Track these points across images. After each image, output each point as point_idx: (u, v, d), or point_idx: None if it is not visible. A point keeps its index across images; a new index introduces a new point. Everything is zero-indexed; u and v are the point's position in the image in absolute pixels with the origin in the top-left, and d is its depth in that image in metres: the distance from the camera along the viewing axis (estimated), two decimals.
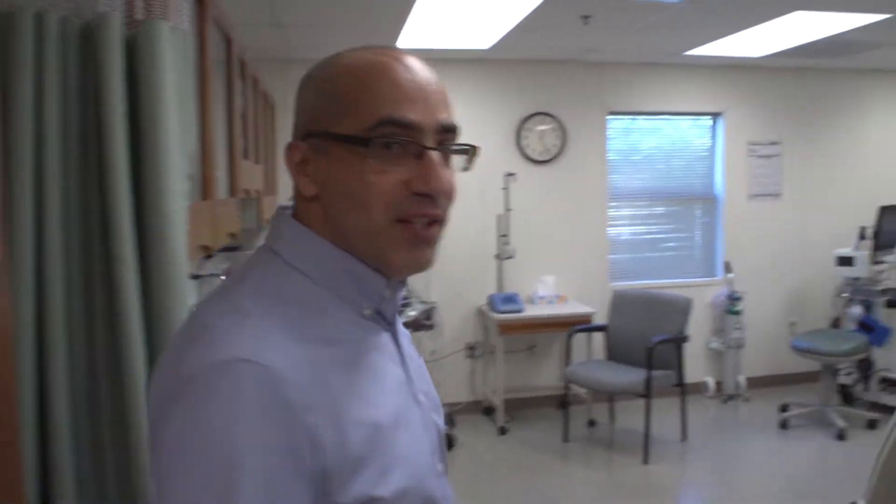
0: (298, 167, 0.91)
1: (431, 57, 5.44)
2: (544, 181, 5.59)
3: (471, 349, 5.58)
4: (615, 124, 5.77)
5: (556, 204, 5.62)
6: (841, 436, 4.92)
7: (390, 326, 0.98)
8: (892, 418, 1.74)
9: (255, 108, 3.82)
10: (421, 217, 0.90)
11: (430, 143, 0.89)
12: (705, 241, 6.06)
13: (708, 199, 6.01)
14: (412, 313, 4.75)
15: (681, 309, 4.84)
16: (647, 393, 4.55)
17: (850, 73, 6.08)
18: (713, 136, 5.98)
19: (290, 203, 0.96)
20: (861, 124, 6.22)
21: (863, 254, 5.17)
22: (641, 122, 5.87)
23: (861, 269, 5.17)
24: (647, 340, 4.73)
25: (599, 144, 5.69)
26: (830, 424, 5.09)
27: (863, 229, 5.33)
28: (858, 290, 5.38)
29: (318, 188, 0.90)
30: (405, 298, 4.84)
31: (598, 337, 5.34)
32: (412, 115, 0.87)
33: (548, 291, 5.54)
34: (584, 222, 5.69)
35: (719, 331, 5.87)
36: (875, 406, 5.36)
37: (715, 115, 5.95)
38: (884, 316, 5.38)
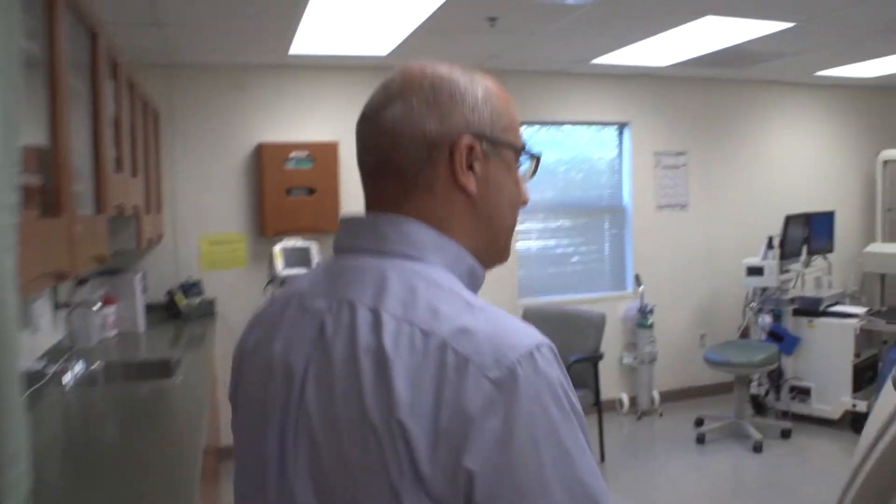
0: (467, 162, 0.95)
1: (325, 64, 5.13)
2: None
3: None
4: (524, 133, 5.65)
5: None
6: (757, 448, 4.93)
7: None
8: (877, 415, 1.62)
9: (132, 114, 3.45)
10: None
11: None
12: (614, 253, 6.03)
13: (616, 211, 5.98)
14: None
15: (595, 325, 4.73)
16: None
17: (752, 84, 6.21)
18: (620, 146, 5.97)
19: (369, 214, 1.00)
20: (764, 135, 6.36)
21: (772, 263, 5.23)
22: (548, 132, 5.79)
23: (770, 279, 5.23)
24: (562, 359, 4.60)
25: None
26: (746, 436, 5.11)
27: (770, 239, 5.41)
28: (768, 300, 5.44)
29: (477, 187, 0.96)
30: None
31: None
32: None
33: None
34: None
35: (631, 345, 5.83)
36: (786, 415, 5.43)
37: (621, 125, 5.93)
38: (792, 325, 5.47)
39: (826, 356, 5.33)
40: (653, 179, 5.96)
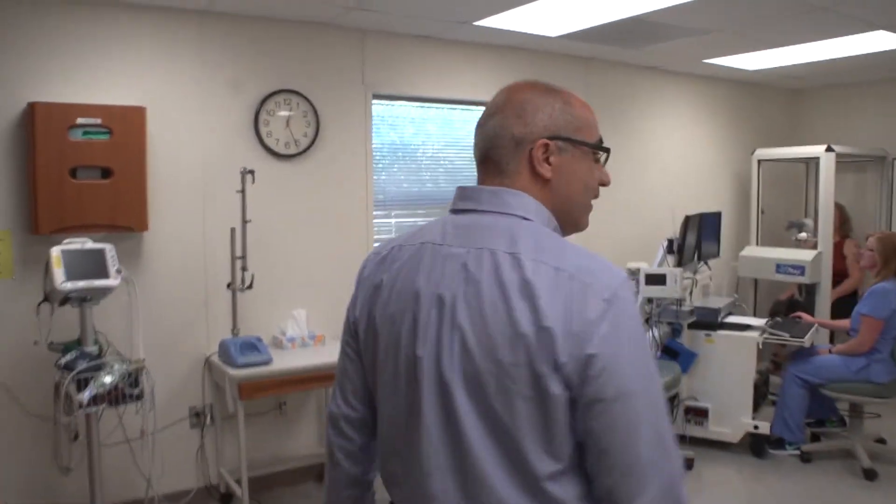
0: (544, 156, 1.34)
1: (130, 3, 3.45)
2: (291, 182, 4.31)
3: (197, 416, 4.10)
4: (381, 111, 4.68)
5: (307, 213, 4.36)
6: None
7: None
8: None
9: None
10: (597, 198, 1.44)
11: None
12: None
13: None
14: (107, 379, 3.21)
15: None
16: None
17: (632, 69, 5.67)
18: None
19: (487, 186, 1.37)
20: (641, 125, 5.83)
21: (675, 271, 4.62)
22: (413, 109, 4.84)
23: (674, 289, 4.61)
24: None
25: (362, 136, 4.54)
26: None
27: (670, 242, 4.81)
28: (666, 312, 4.84)
29: (552, 174, 1.35)
30: (95, 357, 3.28)
31: None
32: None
33: (299, 331, 4.26)
34: (344, 236, 4.50)
35: None
36: (682, 440, 4.86)
37: None
38: (687, 339, 4.91)
39: (725, 373, 4.81)
40: None
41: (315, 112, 4.32)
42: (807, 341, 4.69)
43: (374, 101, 4.58)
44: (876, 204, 6.45)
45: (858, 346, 4.52)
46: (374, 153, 4.62)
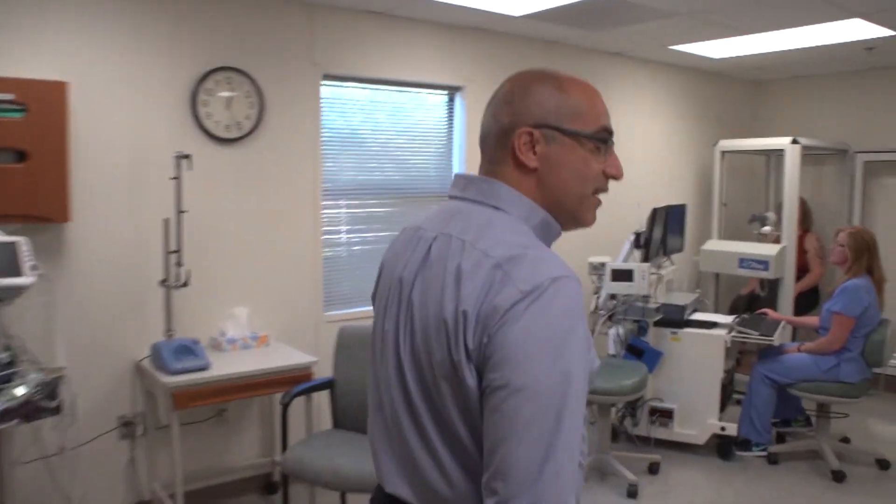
0: (526, 146, 1.29)
1: None
2: (233, 168, 3.93)
3: (127, 426, 3.72)
4: (331, 93, 4.33)
5: (250, 202, 4.00)
6: (633, 493, 4.07)
7: None
8: None
9: None
10: (604, 192, 1.37)
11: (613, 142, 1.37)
12: None
13: (445, 196, 4.85)
14: (19, 392, 2.83)
15: None
16: None
17: (596, 54, 5.43)
18: (450, 117, 4.85)
19: (476, 175, 1.36)
20: (613, 114, 5.55)
21: (643, 266, 4.39)
22: (366, 92, 4.50)
23: (641, 285, 4.39)
24: None
25: (311, 119, 4.19)
26: (614, 475, 4.25)
27: (638, 236, 4.59)
28: (632, 309, 4.62)
29: (539, 164, 1.30)
30: (6, 366, 2.88)
31: (321, 397, 3.86)
32: (609, 124, 1.36)
33: (241, 332, 3.91)
34: (291, 228, 4.15)
35: None
36: (647, 441, 4.67)
37: (453, 90, 4.82)
38: (652, 337, 4.70)
39: (692, 373, 4.62)
40: None
41: (259, 92, 3.95)
42: (776, 340, 4.54)
43: (324, 83, 4.24)
44: (836, 198, 6.36)
45: (829, 345, 4.37)
46: (324, 138, 4.28)
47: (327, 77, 4.24)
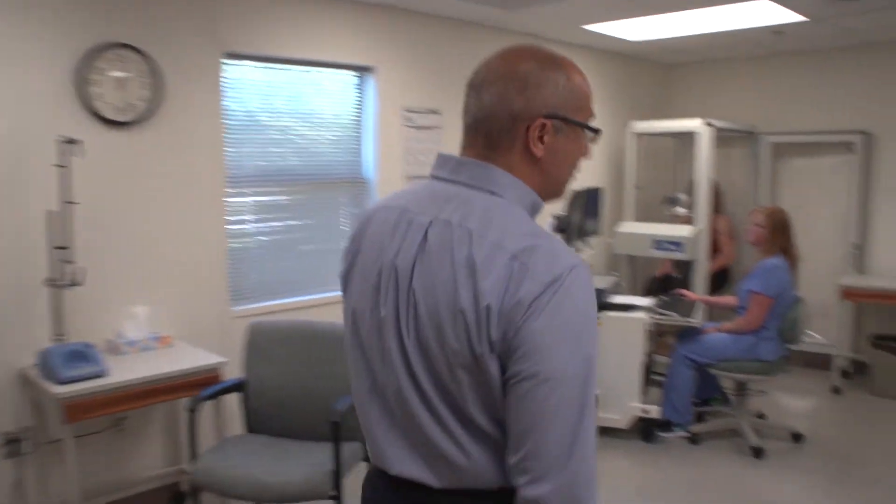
0: (539, 135, 1.30)
1: None
2: (128, 155, 3.59)
3: (11, 443, 3.35)
4: (233, 73, 4.04)
5: (147, 191, 3.67)
6: None
7: None
8: None
9: None
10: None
11: None
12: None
13: (357, 182, 4.64)
14: None
15: None
16: (336, 493, 2.98)
17: (510, 35, 5.29)
18: (361, 99, 4.63)
19: (465, 157, 1.35)
20: None
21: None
22: (271, 73, 4.22)
23: None
24: (315, 400, 3.26)
25: (213, 101, 3.88)
26: None
27: (559, 219, 4.48)
28: None
29: (545, 153, 1.32)
30: None
31: (232, 399, 3.59)
32: None
33: (140, 332, 3.59)
34: (193, 218, 3.85)
35: None
36: None
37: (364, 71, 4.59)
38: None
39: (613, 357, 4.56)
40: (402, 143, 4.73)
41: (156, 72, 3.62)
42: (697, 321, 4.53)
43: (227, 62, 3.94)
44: (743, 179, 6.46)
45: (747, 325, 4.39)
46: (227, 122, 3.99)
47: (229, 55, 3.94)
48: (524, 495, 1.19)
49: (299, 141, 4.34)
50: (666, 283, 6.17)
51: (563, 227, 4.56)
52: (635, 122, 6.02)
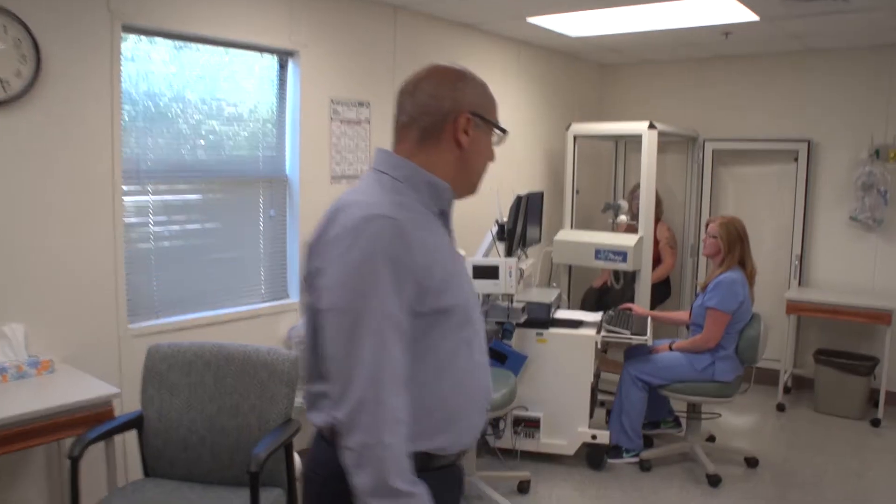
0: (463, 128, 1.53)
1: None
2: None
3: None
4: (133, 50, 3.43)
5: (24, 187, 3.02)
6: None
7: (447, 224, 1.61)
8: None
9: None
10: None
11: None
12: (275, 244, 4.12)
13: (276, 182, 4.08)
14: None
15: (284, 377, 2.84)
16: None
17: (445, 24, 4.84)
18: (282, 87, 4.08)
19: (387, 149, 1.58)
20: None
21: (510, 261, 3.85)
22: (177, 51, 3.63)
23: (508, 283, 3.85)
24: (227, 437, 2.75)
25: (107, 82, 3.25)
26: (480, 499, 3.71)
27: (502, 227, 4.04)
28: (495, 309, 4.08)
29: (468, 145, 1.54)
30: None
31: (130, 438, 2.99)
32: None
33: (14, 356, 2.94)
34: (82, 220, 3.21)
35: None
36: (513, 455, 4.18)
37: (285, 55, 4.04)
38: (515, 338, 4.20)
39: (559, 378, 4.17)
40: (328, 138, 4.20)
41: (34, 42, 2.98)
42: (649, 339, 4.19)
43: (126, 35, 3.34)
44: (681, 186, 6.21)
45: (704, 343, 4.07)
46: (125, 108, 3.38)
47: (128, 29, 3.33)
48: (332, 416, 1.41)
49: (212, 133, 3.75)
50: (603, 294, 5.86)
51: (506, 236, 4.14)
52: (575, 123, 5.66)
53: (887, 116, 5.30)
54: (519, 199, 4.11)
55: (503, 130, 1.59)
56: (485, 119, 1.55)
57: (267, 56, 3.96)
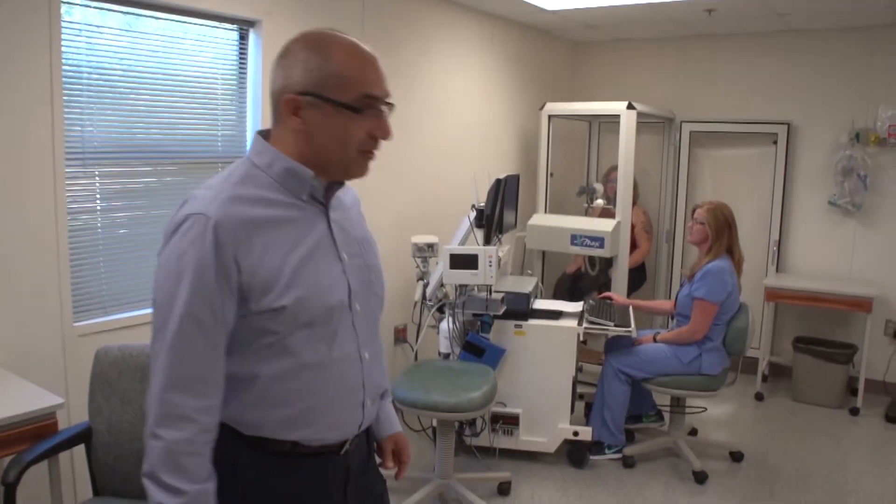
0: (292, 110, 1.42)
1: None
2: None
3: None
4: (78, 16, 3.04)
5: None
6: None
7: (324, 207, 1.53)
8: None
9: None
10: (372, 150, 1.49)
11: (384, 107, 1.47)
12: None
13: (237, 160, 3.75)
14: None
15: None
16: None
17: (427, 0, 4.53)
18: (243, 59, 3.73)
19: (256, 135, 1.50)
20: (427, 67, 4.68)
21: (489, 250, 3.59)
22: (127, 18, 3.25)
23: (489, 272, 3.59)
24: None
25: (46, 52, 2.86)
26: (459, 502, 3.48)
27: (480, 212, 3.78)
28: (472, 301, 3.82)
29: (303, 126, 1.43)
30: None
31: (76, 454, 2.67)
32: (379, 91, 1.45)
33: None
34: (19, 206, 2.83)
35: None
36: (492, 453, 3.95)
37: (246, 25, 3.69)
38: (493, 331, 3.96)
39: (540, 372, 3.95)
40: None
41: None
42: (634, 330, 3.97)
43: (70, 7, 2.96)
44: (656, 169, 6.00)
45: (691, 335, 3.87)
46: (68, 81, 3.01)
47: None
48: None
49: (166, 110, 3.40)
50: (577, 280, 5.65)
51: (482, 221, 3.89)
52: (550, 103, 5.40)
53: (868, 100, 5.15)
54: (498, 182, 3.84)
55: (352, 108, 1.41)
56: (322, 98, 1.40)
57: (226, 26, 3.61)
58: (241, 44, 3.68)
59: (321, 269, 1.48)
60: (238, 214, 1.37)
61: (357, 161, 1.47)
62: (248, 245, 1.37)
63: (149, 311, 3.22)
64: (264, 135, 1.49)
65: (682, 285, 4.15)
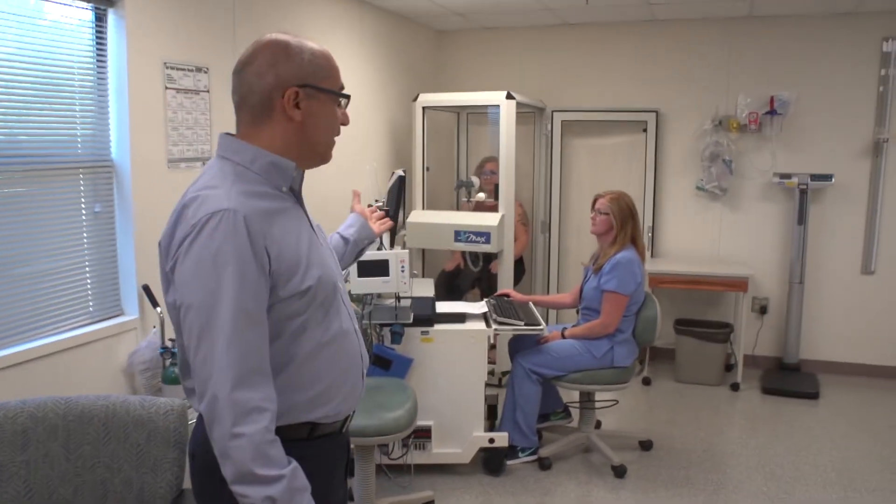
0: (292, 103, 1.48)
1: None
2: None
3: None
4: None
5: None
6: None
7: (298, 199, 1.60)
8: None
9: None
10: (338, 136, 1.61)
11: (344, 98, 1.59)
12: (101, 249, 3.20)
13: (100, 168, 3.15)
14: None
15: (170, 435, 2.09)
16: None
17: None
18: (100, 45, 3.15)
19: (231, 132, 1.54)
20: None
21: (401, 254, 3.26)
22: None
23: (399, 279, 3.26)
24: None
25: None
26: None
27: (387, 212, 3.38)
28: (380, 311, 3.47)
29: (303, 117, 1.50)
30: None
31: None
32: (341, 83, 1.58)
33: None
34: None
35: None
36: (406, 470, 3.64)
37: (104, 4, 3.10)
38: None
39: (450, 380, 3.71)
40: (162, 111, 3.33)
41: None
42: (545, 328, 3.80)
43: None
44: (526, 160, 5.89)
45: (603, 328, 3.77)
46: None
47: None
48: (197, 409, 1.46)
49: (7, 105, 2.80)
50: (455, 277, 5.44)
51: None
52: (424, 94, 5.12)
53: (728, 88, 5.33)
54: (401, 178, 3.53)
55: (344, 96, 1.57)
56: (318, 88, 1.51)
57: (79, 4, 3.03)
58: (98, 26, 3.11)
59: (322, 251, 1.58)
60: (255, 206, 1.43)
61: (331, 147, 1.60)
62: (271, 234, 1.43)
63: (12, 350, 2.71)
64: (231, 136, 1.53)
65: (585, 277, 4.04)
